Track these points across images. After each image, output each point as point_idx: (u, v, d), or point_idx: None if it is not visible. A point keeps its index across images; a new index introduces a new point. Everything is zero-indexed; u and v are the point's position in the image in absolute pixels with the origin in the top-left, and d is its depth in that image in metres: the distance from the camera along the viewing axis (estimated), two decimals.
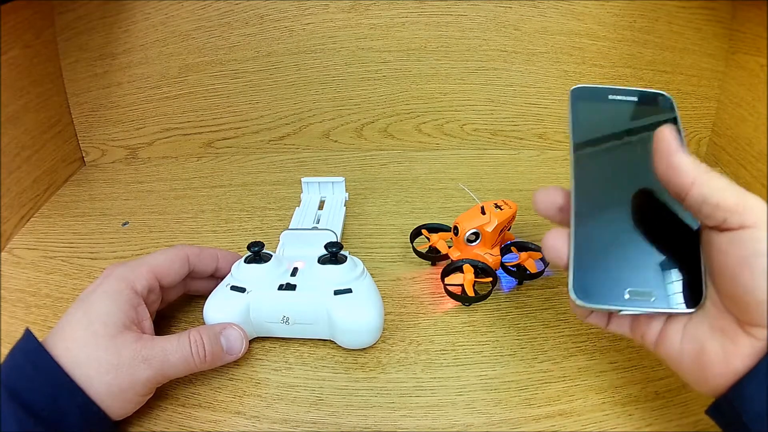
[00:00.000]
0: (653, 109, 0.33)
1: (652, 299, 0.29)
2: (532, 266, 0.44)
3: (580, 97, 0.34)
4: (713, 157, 0.63)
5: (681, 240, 0.30)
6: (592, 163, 0.33)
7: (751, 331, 0.26)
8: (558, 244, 0.30)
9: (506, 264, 0.45)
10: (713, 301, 0.28)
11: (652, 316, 0.30)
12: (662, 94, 0.34)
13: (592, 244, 0.30)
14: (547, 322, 0.41)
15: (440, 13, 0.60)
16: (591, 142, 0.33)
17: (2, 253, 0.51)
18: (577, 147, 0.33)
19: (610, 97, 0.34)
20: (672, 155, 0.27)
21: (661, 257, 0.30)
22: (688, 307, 0.29)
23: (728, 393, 0.27)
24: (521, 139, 0.66)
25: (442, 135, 0.66)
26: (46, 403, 0.29)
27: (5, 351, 0.31)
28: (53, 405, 0.29)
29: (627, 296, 0.29)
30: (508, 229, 0.46)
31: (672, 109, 0.33)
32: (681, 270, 0.29)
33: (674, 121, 0.32)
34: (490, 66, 0.62)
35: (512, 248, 0.46)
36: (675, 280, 0.29)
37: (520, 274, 0.44)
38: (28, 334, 0.31)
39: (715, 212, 0.26)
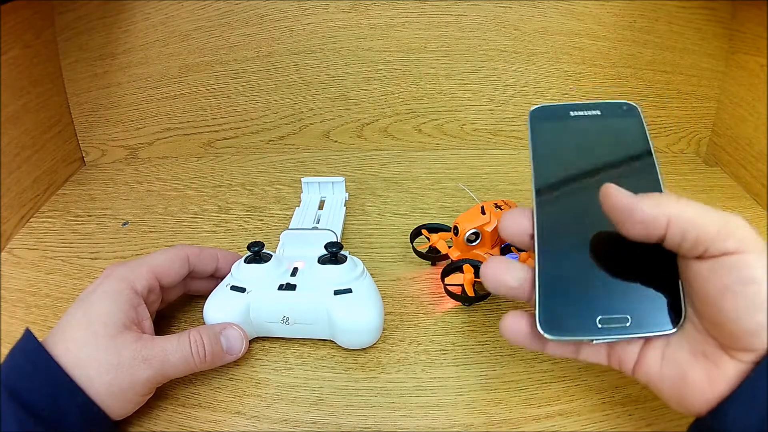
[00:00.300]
0: (619, 121, 0.31)
1: (628, 324, 0.27)
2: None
3: (540, 117, 0.32)
4: (713, 157, 0.63)
5: (655, 259, 0.28)
6: (557, 185, 0.30)
7: (736, 355, 0.25)
8: (497, 272, 0.29)
9: None
10: (693, 324, 0.27)
11: (628, 341, 0.28)
12: (626, 104, 0.32)
13: (558, 271, 0.28)
14: None
15: (440, 13, 0.60)
16: (554, 164, 0.31)
17: (2, 253, 0.51)
18: (539, 170, 0.31)
19: (572, 113, 0.32)
20: (633, 213, 0.25)
21: (635, 279, 0.28)
22: (667, 328, 0.27)
23: (710, 416, 0.26)
24: (521, 139, 0.66)
25: (442, 135, 0.66)
26: (46, 403, 0.29)
27: (5, 351, 0.31)
28: (53, 405, 0.29)
29: (600, 324, 0.27)
30: None
31: (638, 117, 0.31)
32: (657, 289, 0.28)
33: (642, 130, 0.31)
34: (490, 66, 0.62)
35: (512, 248, 0.46)
36: (651, 301, 0.27)
37: None
38: (28, 334, 0.31)
39: (696, 246, 0.25)
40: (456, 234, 0.44)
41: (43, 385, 0.29)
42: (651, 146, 0.30)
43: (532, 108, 0.32)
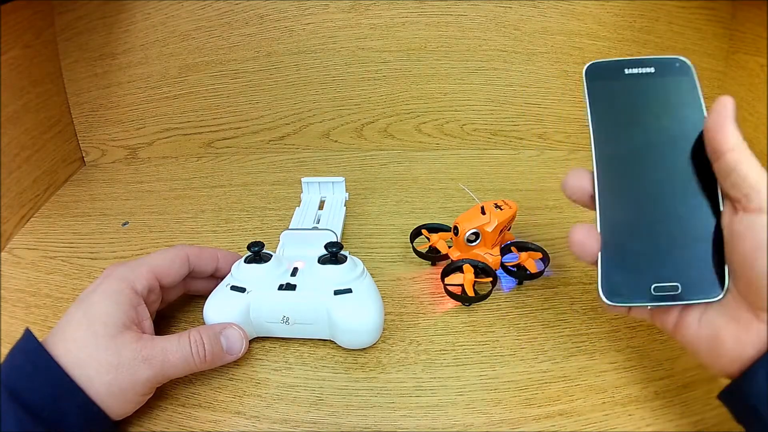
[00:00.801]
0: (672, 79, 0.32)
1: (678, 291, 0.30)
2: (532, 266, 0.44)
3: (596, 75, 0.33)
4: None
5: (704, 228, 0.30)
6: (614, 147, 0.32)
7: (764, 318, 0.27)
8: (585, 239, 0.31)
9: (506, 264, 0.45)
10: (729, 290, 0.29)
11: None
12: (679, 59, 0.32)
13: (617, 240, 0.31)
14: (547, 322, 0.41)
15: (440, 13, 0.60)
16: (611, 123, 0.32)
17: (2, 253, 0.51)
18: (597, 130, 0.32)
19: (627, 71, 0.33)
20: (726, 119, 0.28)
21: (685, 247, 0.30)
22: (712, 296, 0.29)
23: (740, 378, 0.28)
24: (521, 139, 0.66)
25: (442, 135, 0.66)
26: (46, 403, 0.29)
27: (5, 351, 0.31)
28: (53, 405, 0.29)
29: (653, 292, 0.30)
30: (508, 229, 0.46)
31: (691, 75, 0.32)
32: (704, 259, 0.29)
33: (694, 87, 0.32)
34: (490, 66, 0.62)
35: (512, 248, 0.46)
36: (699, 270, 0.30)
37: (520, 274, 0.44)
38: (28, 334, 0.31)
39: (742, 183, 0.27)
40: (456, 234, 0.44)
41: (43, 385, 0.29)
42: (701, 100, 0.31)
43: (587, 64, 0.33)
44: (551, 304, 0.43)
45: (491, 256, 0.43)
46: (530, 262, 0.45)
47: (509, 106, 0.64)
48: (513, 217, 0.44)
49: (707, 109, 0.30)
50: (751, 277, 0.27)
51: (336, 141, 0.67)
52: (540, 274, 0.44)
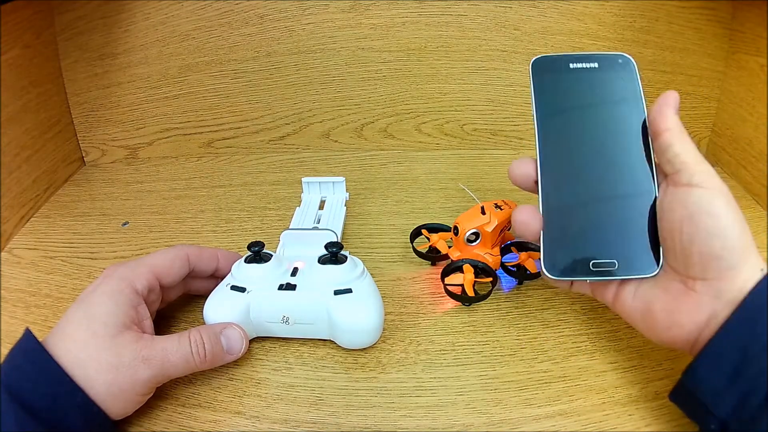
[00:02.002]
0: (614, 74, 0.34)
1: (615, 268, 0.32)
2: (532, 266, 0.44)
3: (542, 68, 0.35)
4: (713, 157, 0.63)
5: (640, 209, 0.32)
6: (557, 134, 0.34)
7: (692, 286, 0.29)
8: (528, 219, 0.33)
9: (506, 264, 0.45)
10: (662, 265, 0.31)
11: None
12: (622, 56, 0.35)
13: (557, 220, 0.33)
14: (547, 322, 0.41)
15: (440, 13, 0.60)
16: (555, 113, 0.34)
17: (2, 253, 0.51)
18: (541, 119, 0.34)
19: (572, 65, 0.35)
20: (666, 106, 0.31)
21: (622, 227, 0.32)
22: (648, 272, 0.32)
23: (683, 378, 0.30)
24: (521, 139, 0.66)
25: (442, 135, 0.66)
26: (46, 403, 0.29)
27: (5, 351, 0.31)
28: (53, 405, 0.29)
29: (592, 267, 0.32)
30: (508, 229, 0.46)
31: (632, 70, 0.34)
32: (640, 237, 0.32)
33: (636, 83, 0.34)
34: (490, 66, 0.62)
35: (512, 248, 0.46)
36: (635, 248, 0.32)
37: (520, 274, 0.44)
38: (28, 334, 0.31)
39: (674, 160, 0.30)
40: (456, 234, 0.44)
41: (43, 385, 0.29)
42: (641, 94, 0.33)
43: (533, 59, 0.35)
44: (551, 304, 0.43)
45: (491, 256, 0.43)
46: (530, 262, 0.45)
47: (509, 106, 0.64)
48: None
49: (648, 103, 0.32)
50: (679, 246, 0.29)
51: (336, 141, 0.67)
52: (540, 274, 0.44)
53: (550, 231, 0.33)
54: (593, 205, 0.33)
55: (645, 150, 0.33)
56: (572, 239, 0.33)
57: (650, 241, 0.32)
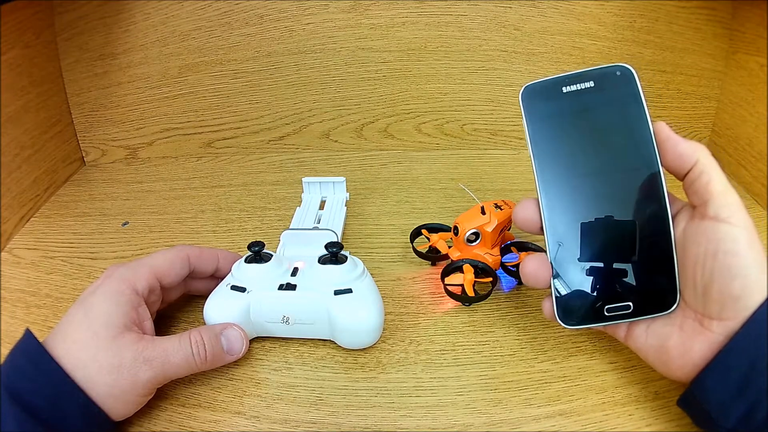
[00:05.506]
0: (612, 92, 0.31)
1: (630, 310, 0.31)
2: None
3: (532, 97, 0.32)
4: (713, 157, 0.63)
5: (654, 247, 0.30)
6: (557, 172, 0.31)
7: (708, 325, 0.29)
8: (538, 270, 0.32)
9: (506, 264, 0.45)
10: (678, 302, 0.30)
11: None
12: (621, 67, 0.31)
13: (568, 267, 0.31)
14: (547, 322, 0.41)
15: (440, 13, 0.60)
16: (553, 147, 0.31)
17: (2, 253, 0.51)
18: (539, 156, 0.31)
19: (564, 89, 0.31)
20: (676, 145, 0.30)
21: (636, 268, 0.31)
22: (663, 310, 0.30)
23: (692, 386, 0.29)
24: (521, 139, 0.66)
25: (442, 135, 0.66)
26: (47, 404, 0.29)
27: (5, 351, 0.31)
28: (54, 406, 0.29)
29: (607, 313, 0.31)
30: (508, 229, 0.46)
31: (633, 83, 0.31)
32: (655, 276, 0.30)
33: (638, 99, 0.30)
34: (490, 66, 0.62)
35: (512, 248, 0.46)
36: (650, 287, 0.30)
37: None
38: (28, 335, 0.31)
39: (703, 191, 0.29)
40: (456, 234, 0.44)
41: (43, 386, 0.29)
42: (644, 105, 0.30)
43: (523, 87, 0.32)
44: None
45: (491, 256, 0.43)
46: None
47: (509, 106, 0.64)
48: None
49: (653, 122, 0.30)
50: (699, 282, 0.29)
51: (336, 141, 0.67)
52: None
53: (561, 280, 0.32)
54: (605, 248, 0.31)
55: (656, 177, 0.30)
56: (584, 286, 0.31)
57: (666, 278, 0.30)
